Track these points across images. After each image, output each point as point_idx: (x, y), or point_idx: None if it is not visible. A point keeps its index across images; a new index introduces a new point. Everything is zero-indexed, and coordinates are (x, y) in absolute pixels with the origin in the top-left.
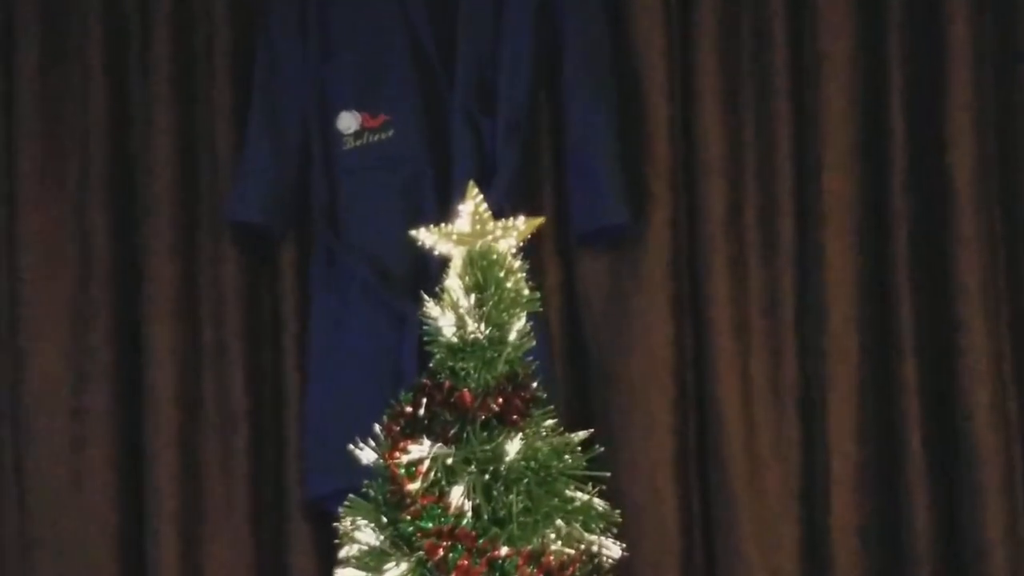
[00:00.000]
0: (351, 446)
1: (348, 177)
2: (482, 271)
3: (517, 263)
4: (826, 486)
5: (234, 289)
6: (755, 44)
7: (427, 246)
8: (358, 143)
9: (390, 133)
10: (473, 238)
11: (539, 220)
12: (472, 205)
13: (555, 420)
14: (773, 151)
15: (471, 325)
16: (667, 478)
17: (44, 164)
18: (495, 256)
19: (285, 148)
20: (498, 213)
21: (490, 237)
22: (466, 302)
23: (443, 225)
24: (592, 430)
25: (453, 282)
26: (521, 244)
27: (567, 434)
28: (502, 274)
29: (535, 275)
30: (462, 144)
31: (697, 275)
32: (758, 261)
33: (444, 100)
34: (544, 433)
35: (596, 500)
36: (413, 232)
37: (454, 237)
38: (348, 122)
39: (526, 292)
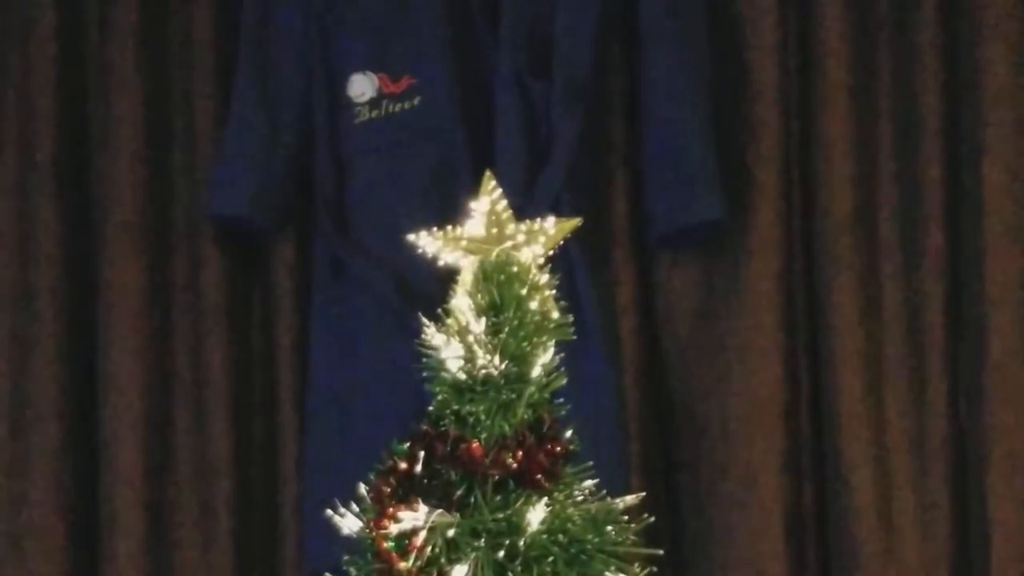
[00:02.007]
0: (332, 512)
1: (361, 158)
2: (499, 288)
3: (544, 278)
4: (985, 568)
5: (216, 303)
6: None
7: (429, 254)
8: (374, 114)
9: (416, 101)
10: (488, 245)
11: (573, 222)
12: (487, 202)
13: (594, 481)
14: (915, 128)
15: (483, 357)
16: (774, 555)
17: None
18: (515, 268)
19: (280, 121)
20: (554, 205)
21: (510, 244)
22: (477, 327)
23: (449, 228)
24: (643, 494)
25: (461, 302)
26: (550, 252)
27: (611, 499)
28: (524, 292)
29: (602, 274)
30: (508, 115)
31: (814, 289)
32: (895, 272)
33: (485, 57)
34: (579, 497)
35: None
36: (412, 236)
37: (464, 243)
38: (362, 87)
39: (555, 315)
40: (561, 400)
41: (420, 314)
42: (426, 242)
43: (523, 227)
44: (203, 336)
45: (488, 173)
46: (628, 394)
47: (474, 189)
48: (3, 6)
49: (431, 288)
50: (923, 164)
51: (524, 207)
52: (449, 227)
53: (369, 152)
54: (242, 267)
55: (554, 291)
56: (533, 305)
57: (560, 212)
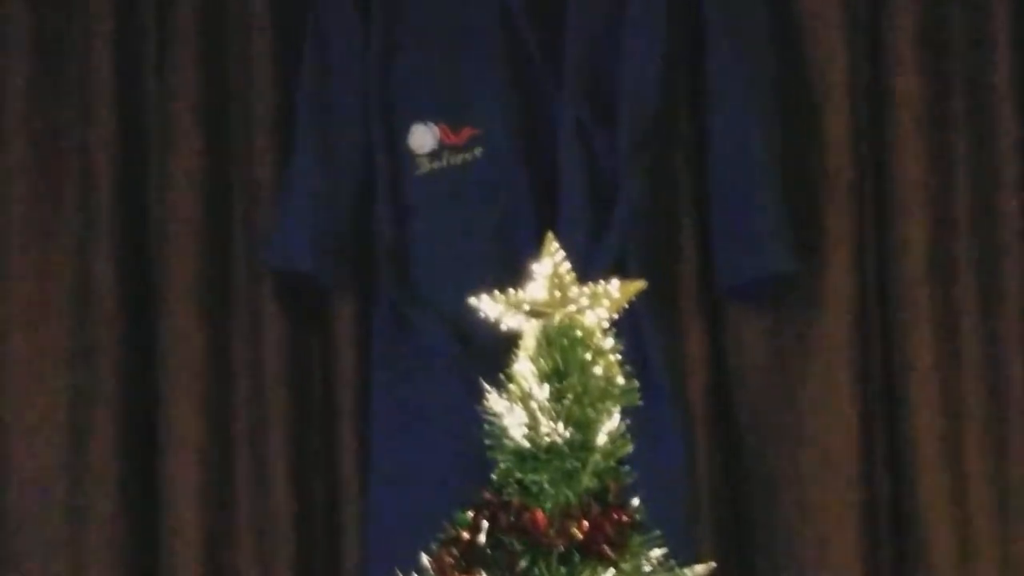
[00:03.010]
0: None
1: (422, 211)
2: (562, 353)
3: (608, 342)
4: None
5: (276, 360)
6: (968, 37)
7: (491, 319)
8: (435, 166)
9: (477, 152)
10: (551, 308)
11: (637, 284)
12: (550, 263)
13: (663, 550)
14: (994, 171)
15: (546, 424)
16: None
17: (36, 188)
18: (579, 333)
19: (341, 173)
20: (619, 259)
21: (573, 307)
22: (540, 394)
23: (511, 292)
24: (714, 564)
25: (524, 367)
26: (616, 316)
27: (681, 569)
28: (588, 357)
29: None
30: (571, 165)
31: (891, 339)
32: (976, 320)
33: (547, 106)
34: (647, 568)
35: None
36: (472, 300)
37: (526, 307)
38: (423, 138)
39: (620, 381)
40: (627, 467)
41: (484, 372)
42: (487, 306)
43: (587, 290)
44: (263, 394)
45: (550, 235)
46: (698, 453)
47: (537, 241)
48: (60, 58)
49: (497, 344)
50: (1001, 211)
51: (589, 258)
52: (511, 290)
53: (431, 205)
54: (303, 322)
55: (619, 355)
56: (598, 370)
57: (626, 263)
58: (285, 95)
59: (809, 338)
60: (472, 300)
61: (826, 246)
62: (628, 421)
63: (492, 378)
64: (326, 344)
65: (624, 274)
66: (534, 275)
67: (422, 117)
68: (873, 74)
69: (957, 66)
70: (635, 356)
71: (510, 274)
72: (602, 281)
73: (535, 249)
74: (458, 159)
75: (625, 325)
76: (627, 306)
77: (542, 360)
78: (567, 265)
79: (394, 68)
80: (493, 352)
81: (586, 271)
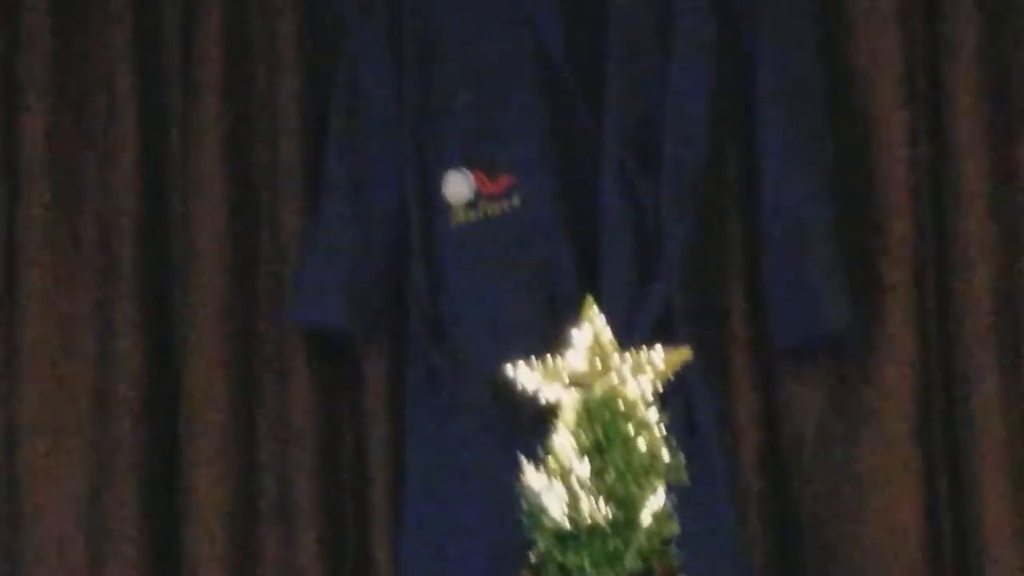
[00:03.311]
0: None
1: (457, 263)
2: (603, 426)
3: (653, 414)
4: None
5: (303, 418)
6: None
7: (527, 390)
8: (471, 216)
9: (516, 202)
10: (591, 378)
11: (683, 353)
12: (590, 330)
13: None
14: None
15: (587, 502)
16: None
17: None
18: (621, 404)
19: (372, 222)
20: (665, 315)
21: (615, 377)
22: (581, 469)
23: (549, 360)
24: None
25: (563, 441)
26: (661, 387)
27: None
28: (631, 430)
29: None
30: (614, 215)
31: (954, 401)
32: None
33: (589, 153)
34: None
35: None
36: (507, 369)
37: (565, 377)
38: (458, 187)
39: (665, 455)
40: (674, 546)
41: (524, 434)
42: (524, 376)
43: (629, 358)
44: (290, 456)
45: (590, 300)
46: (750, 524)
47: (579, 295)
48: (82, 104)
49: (536, 406)
50: None
51: (633, 314)
52: (549, 359)
53: (467, 257)
54: (332, 380)
55: (664, 428)
56: (641, 444)
57: (672, 319)
58: (313, 139)
59: (867, 399)
60: (508, 369)
61: (885, 302)
62: (674, 497)
63: (532, 440)
64: (357, 403)
65: (670, 331)
66: (573, 343)
67: (457, 163)
68: (933, 123)
69: (1017, 119)
70: (682, 420)
71: (551, 330)
72: (646, 348)
73: (576, 304)
74: (495, 209)
75: (672, 387)
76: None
77: (582, 434)
78: (608, 332)
79: (427, 113)
80: (534, 412)
81: (630, 328)
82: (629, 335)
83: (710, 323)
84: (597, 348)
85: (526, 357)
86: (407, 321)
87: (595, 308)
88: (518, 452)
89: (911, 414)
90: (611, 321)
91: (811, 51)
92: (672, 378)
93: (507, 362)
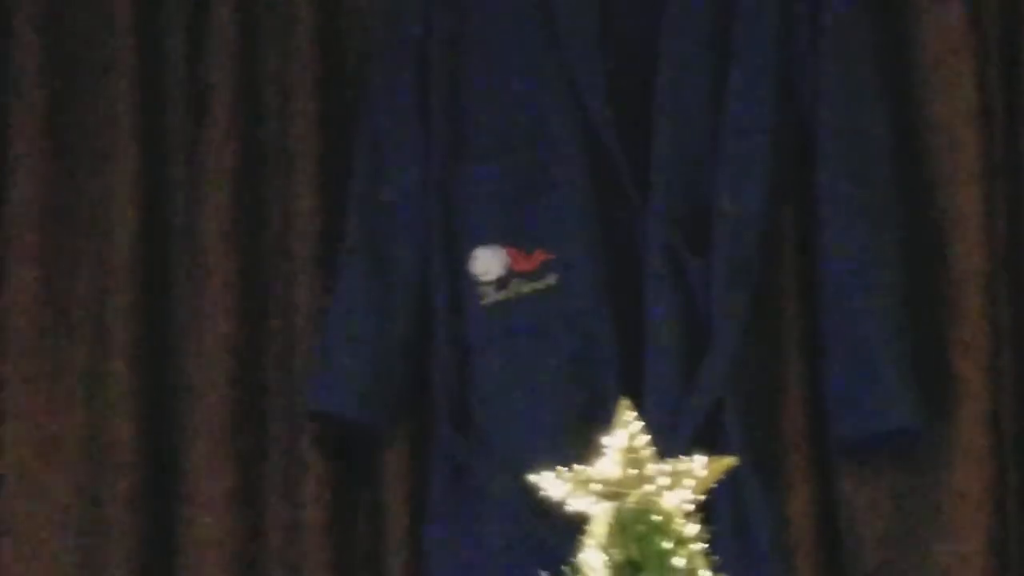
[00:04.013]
0: None
1: (486, 347)
2: (637, 541)
3: (692, 528)
4: None
5: (315, 516)
6: None
7: (554, 499)
8: (502, 295)
9: (552, 280)
10: (625, 488)
11: (729, 461)
12: (625, 435)
13: None
14: None
15: None
16: None
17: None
18: (657, 518)
19: (394, 302)
20: (715, 411)
21: (651, 487)
22: None
23: (579, 468)
24: None
25: (593, 558)
26: (702, 497)
27: None
28: (668, 546)
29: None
30: (660, 298)
31: None
32: None
33: (634, 229)
34: None
35: None
36: (532, 478)
37: (596, 487)
38: (488, 263)
39: (706, 574)
40: None
41: (557, 535)
42: (551, 484)
43: (667, 467)
44: (301, 551)
45: (625, 402)
46: None
47: (620, 388)
48: (80, 155)
49: (573, 516)
50: None
51: (679, 410)
52: (579, 467)
53: (496, 340)
54: (347, 472)
55: (705, 544)
56: (679, 562)
57: (722, 415)
58: (330, 209)
59: (936, 504)
60: (533, 478)
61: (956, 397)
62: None
63: (566, 542)
64: (373, 500)
65: (720, 428)
66: (606, 449)
67: (488, 238)
68: (1013, 196)
69: None
70: (735, 524)
71: (588, 425)
72: (686, 455)
73: (618, 396)
74: (528, 288)
75: (723, 489)
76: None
77: (614, 550)
78: (644, 437)
79: (457, 181)
80: (570, 522)
81: (676, 425)
82: (673, 435)
83: (764, 420)
84: (632, 454)
85: (561, 457)
86: (431, 408)
87: (630, 410)
88: (548, 551)
89: (983, 520)
90: (654, 419)
91: (879, 92)
92: (722, 481)
93: (540, 462)
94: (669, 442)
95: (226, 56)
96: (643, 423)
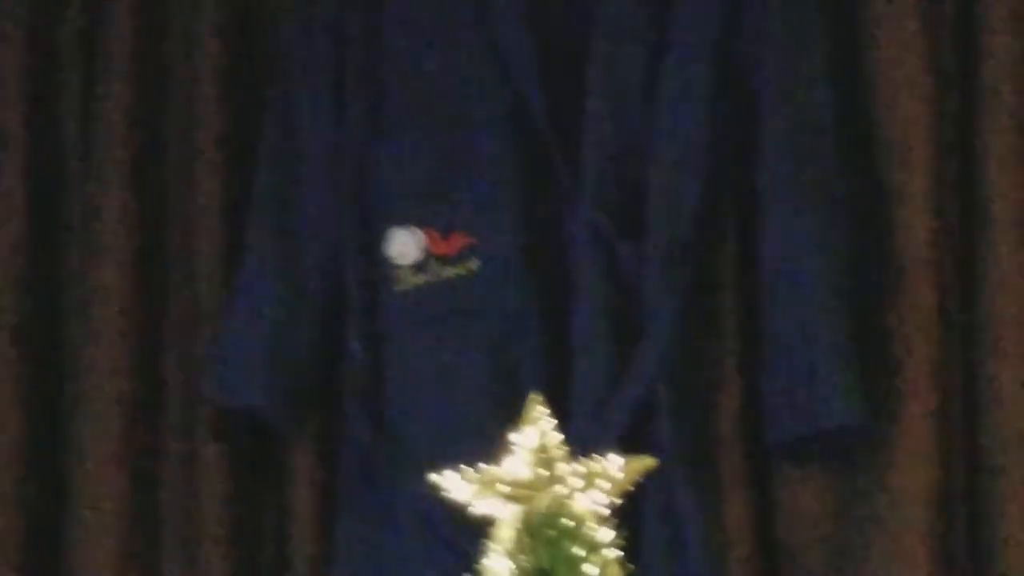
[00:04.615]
0: None
1: (402, 336)
2: (547, 547)
3: (606, 534)
4: None
5: (216, 514)
6: None
7: (458, 501)
8: (419, 280)
9: (473, 265)
10: (535, 491)
11: (647, 462)
12: (535, 433)
13: None
14: None
15: None
16: None
17: None
18: (569, 522)
19: (303, 285)
20: (645, 407)
21: (563, 489)
22: None
23: (485, 468)
24: None
25: (499, 565)
26: (617, 500)
27: None
28: (580, 552)
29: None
30: (589, 285)
31: (979, 515)
32: None
33: (561, 211)
34: None
35: None
36: (433, 477)
37: (503, 488)
38: (405, 246)
39: None
40: None
41: (472, 537)
42: (455, 485)
43: (580, 468)
44: (199, 554)
45: (534, 397)
46: None
47: (545, 379)
48: None
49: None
50: None
51: (608, 403)
52: (485, 467)
53: (412, 328)
54: (250, 468)
55: (620, 551)
56: (591, 570)
57: (654, 412)
58: (237, 184)
59: (879, 508)
60: (434, 478)
61: (902, 397)
62: None
63: (479, 545)
64: (279, 499)
65: (652, 424)
66: (515, 448)
67: (405, 219)
68: (963, 186)
69: None
70: (665, 528)
71: (510, 421)
72: (601, 456)
73: (543, 388)
74: (448, 273)
75: (654, 490)
76: (659, 466)
77: (522, 556)
78: (556, 436)
79: (373, 158)
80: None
81: (604, 421)
82: (602, 431)
83: (699, 417)
84: (543, 454)
85: (479, 455)
86: (341, 400)
87: (541, 406)
88: (464, 555)
89: (927, 526)
90: (581, 415)
91: (826, 106)
92: (657, 473)
93: (456, 460)
94: (597, 439)
95: (127, 34)
96: (555, 420)
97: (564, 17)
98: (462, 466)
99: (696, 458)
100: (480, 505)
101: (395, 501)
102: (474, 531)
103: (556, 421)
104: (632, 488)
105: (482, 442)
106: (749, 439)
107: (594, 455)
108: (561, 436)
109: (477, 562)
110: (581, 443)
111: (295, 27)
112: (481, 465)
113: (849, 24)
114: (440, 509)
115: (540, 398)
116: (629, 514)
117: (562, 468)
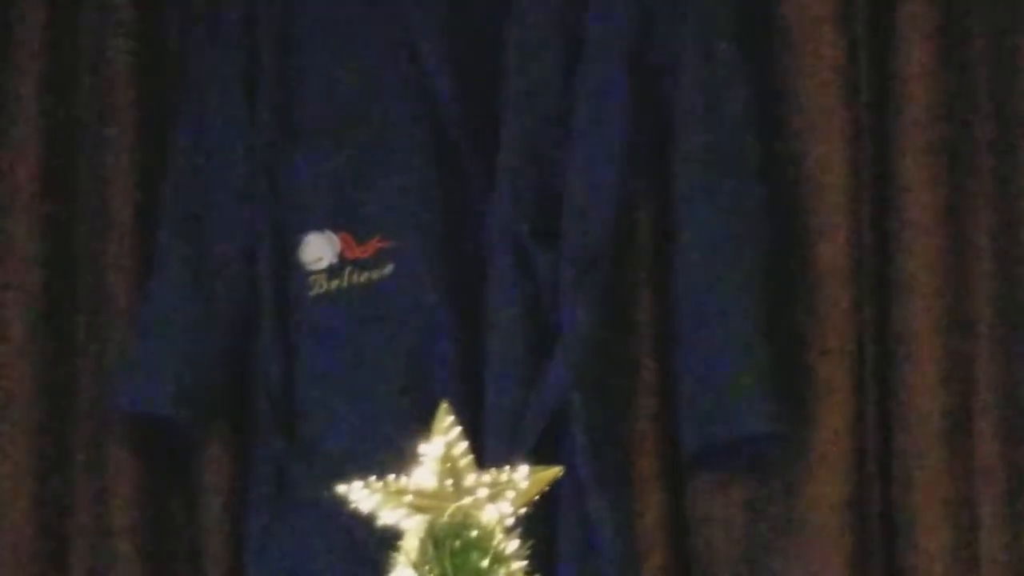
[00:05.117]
0: None
1: (316, 341)
2: (452, 558)
3: (512, 545)
4: None
5: (127, 525)
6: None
7: (363, 511)
8: (334, 285)
9: (387, 269)
10: (440, 501)
11: (553, 471)
12: (441, 443)
13: None
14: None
15: None
16: None
17: None
18: (474, 533)
19: (214, 291)
20: (560, 413)
21: (468, 499)
22: None
23: (391, 479)
24: None
25: (405, 575)
26: (523, 511)
27: None
28: (485, 563)
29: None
30: (504, 289)
31: (893, 523)
32: (996, 502)
33: (477, 215)
34: None
35: None
36: (341, 488)
37: (408, 499)
38: (319, 250)
39: None
40: None
41: (383, 547)
42: (359, 495)
43: (487, 478)
44: (111, 558)
45: (444, 406)
46: None
47: (458, 388)
48: None
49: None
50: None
51: (523, 410)
52: (390, 477)
53: (326, 333)
54: (159, 473)
55: (526, 562)
56: None
57: (568, 418)
58: (147, 188)
59: (793, 515)
60: (341, 489)
61: (817, 404)
62: None
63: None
64: (190, 505)
65: (566, 432)
66: (423, 458)
67: (319, 224)
68: (878, 187)
69: (979, 188)
70: (580, 536)
71: (423, 428)
72: (509, 466)
73: (459, 397)
74: (363, 277)
75: (566, 497)
76: (568, 470)
77: (427, 567)
78: (463, 445)
79: (287, 160)
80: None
81: (518, 428)
82: (516, 439)
83: (613, 425)
84: (449, 463)
85: (393, 463)
86: (253, 411)
87: (448, 415)
88: (378, 564)
89: (842, 533)
90: (495, 422)
91: (739, 76)
92: (569, 480)
93: (369, 468)
94: (511, 446)
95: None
96: (467, 429)
97: (478, 23)
98: (367, 476)
99: (611, 465)
100: (386, 516)
101: (307, 509)
102: (386, 540)
103: (469, 429)
104: (540, 497)
105: (395, 449)
106: (665, 446)
107: (506, 464)
108: (467, 445)
109: (387, 571)
110: (494, 451)
111: (204, 32)
112: (387, 475)
113: (764, 28)
114: (351, 517)
115: (448, 407)
116: (544, 522)
117: (468, 478)
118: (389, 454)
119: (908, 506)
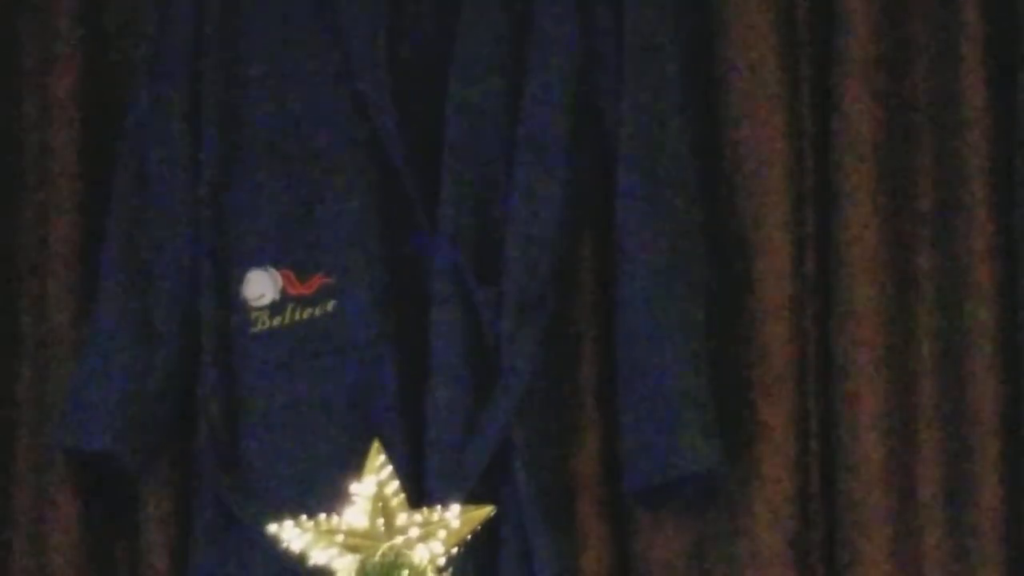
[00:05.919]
0: None
1: (258, 379)
2: None
3: None
4: None
5: (69, 560)
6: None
7: (294, 551)
8: (276, 322)
9: (329, 306)
10: (372, 540)
11: (485, 511)
12: (372, 482)
13: None
14: (963, 356)
15: None
16: None
17: None
18: (406, 573)
19: (156, 329)
20: (501, 452)
21: (400, 539)
22: None
23: (323, 518)
24: None
25: None
26: (456, 550)
27: None
28: None
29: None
30: (445, 328)
31: (836, 562)
32: (940, 546)
33: (420, 254)
34: None
35: None
36: (271, 528)
37: (339, 538)
38: (261, 287)
39: None
40: None
41: None
42: (291, 534)
43: (419, 517)
44: None
45: (376, 445)
46: None
47: (402, 427)
48: None
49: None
50: (972, 408)
51: (464, 448)
52: (322, 516)
53: (268, 371)
54: (100, 516)
55: None
56: None
57: (509, 457)
58: (91, 229)
59: (737, 554)
60: (273, 529)
61: (759, 441)
62: None
63: None
64: (131, 547)
65: (508, 471)
66: (352, 495)
67: (262, 259)
68: (821, 223)
69: (922, 230)
70: (520, 563)
71: (360, 460)
72: (439, 507)
73: (399, 435)
74: (305, 314)
75: (509, 536)
76: (513, 506)
77: None
78: (394, 484)
79: (228, 197)
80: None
81: (459, 467)
82: (456, 478)
83: (555, 464)
84: (380, 503)
85: (335, 497)
86: (194, 448)
87: (380, 453)
88: None
89: (786, 572)
90: (435, 460)
91: (682, 136)
92: (511, 518)
93: (311, 506)
94: (453, 485)
95: None
96: (407, 466)
97: (422, 57)
98: (310, 514)
99: (552, 504)
100: (317, 555)
101: (250, 546)
102: None
103: (411, 467)
104: (483, 535)
105: (338, 487)
106: (607, 485)
107: (449, 502)
108: (399, 484)
109: None
110: (436, 490)
111: (149, 62)
112: (323, 514)
113: (705, 54)
114: (293, 557)
115: (380, 446)
116: (486, 561)
117: (400, 517)
118: (332, 491)
119: (851, 543)
